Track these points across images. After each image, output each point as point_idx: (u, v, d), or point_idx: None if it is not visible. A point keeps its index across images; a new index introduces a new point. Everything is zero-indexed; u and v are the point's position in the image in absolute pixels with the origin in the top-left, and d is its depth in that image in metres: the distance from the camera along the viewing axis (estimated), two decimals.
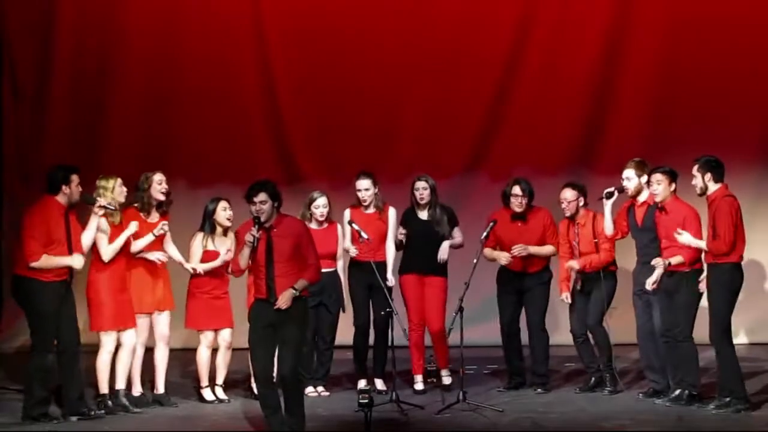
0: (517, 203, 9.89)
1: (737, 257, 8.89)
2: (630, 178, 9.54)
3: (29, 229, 8.66)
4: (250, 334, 8.15)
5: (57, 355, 8.85)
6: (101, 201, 8.86)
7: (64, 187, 8.75)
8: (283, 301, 7.96)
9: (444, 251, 9.85)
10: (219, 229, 9.60)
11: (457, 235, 9.99)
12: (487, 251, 9.88)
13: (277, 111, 12.99)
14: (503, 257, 9.84)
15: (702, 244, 8.87)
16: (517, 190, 9.88)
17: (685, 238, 8.92)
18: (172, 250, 9.56)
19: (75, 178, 8.79)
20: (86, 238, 8.87)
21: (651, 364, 9.52)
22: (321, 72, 12.82)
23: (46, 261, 8.62)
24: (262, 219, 7.98)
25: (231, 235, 9.61)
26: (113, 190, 9.05)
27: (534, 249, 9.84)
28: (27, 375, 8.86)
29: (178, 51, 12.84)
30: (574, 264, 9.71)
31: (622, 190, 9.61)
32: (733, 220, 8.77)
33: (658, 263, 9.05)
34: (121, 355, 9.14)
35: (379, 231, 9.93)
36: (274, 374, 8.26)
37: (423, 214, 10.00)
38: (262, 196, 7.99)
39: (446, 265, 9.99)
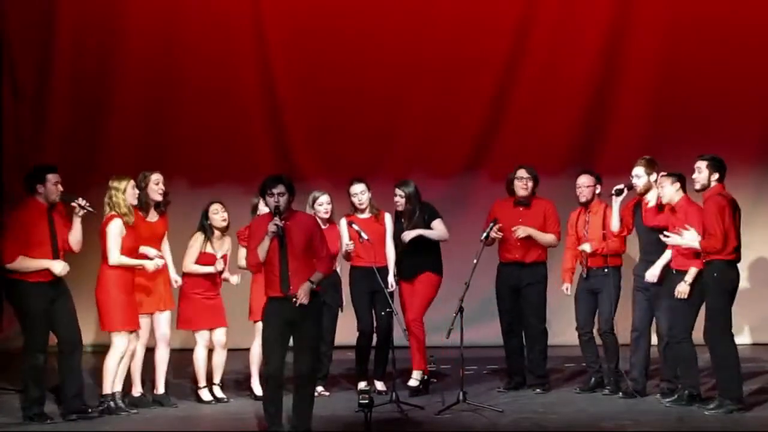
0: (522, 185, 9.93)
1: (730, 255, 8.86)
2: (639, 175, 9.53)
3: (8, 230, 8.72)
4: (265, 332, 8.09)
5: (58, 354, 8.86)
6: (80, 201, 8.83)
7: (39, 186, 8.75)
8: (303, 294, 7.91)
9: (408, 234, 9.79)
10: (217, 232, 9.60)
11: (437, 227, 9.93)
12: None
13: (277, 111, 12.99)
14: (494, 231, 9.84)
15: (695, 245, 8.84)
16: (522, 172, 9.94)
17: (675, 240, 8.92)
18: (168, 259, 9.57)
19: (51, 177, 8.78)
20: (73, 239, 8.86)
21: (642, 363, 9.54)
22: (321, 72, 12.83)
23: (22, 263, 8.63)
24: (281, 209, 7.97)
25: (227, 238, 9.62)
26: (125, 191, 9.04)
27: (534, 231, 9.86)
28: (22, 375, 8.87)
29: (178, 51, 12.84)
30: (587, 247, 9.69)
31: (631, 187, 9.61)
32: (720, 217, 8.76)
33: (683, 292, 9.01)
34: (123, 359, 9.11)
35: (377, 234, 9.91)
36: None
37: (404, 221, 10.03)
38: (280, 188, 7.98)
39: (436, 263, 9.96)
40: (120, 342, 9.01)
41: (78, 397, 8.91)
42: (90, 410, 8.92)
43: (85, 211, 8.84)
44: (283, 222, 7.95)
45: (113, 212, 8.99)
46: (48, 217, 8.76)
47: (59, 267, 8.73)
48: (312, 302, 8.01)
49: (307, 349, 8.06)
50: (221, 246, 9.60)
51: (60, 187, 8.81)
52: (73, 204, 8.82)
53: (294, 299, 7.92)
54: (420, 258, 9.91)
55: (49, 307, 8.73)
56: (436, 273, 9.96)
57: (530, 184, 9.95)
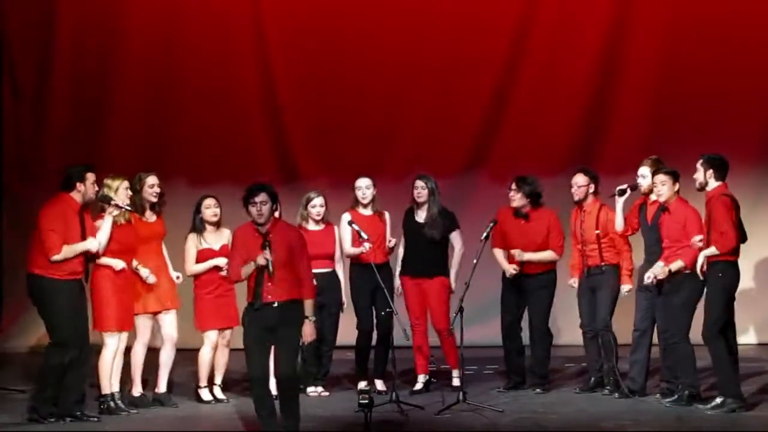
0: (511, 197, 9.87)
1: (732, 255, 8.86)
2: (645, 175, 9.52)
3: (48, 223, 8.61)
4: (245, 337, 8.07)
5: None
6: (117, 200, 8.86)
7: (78, 184, 8.73)
8: (308, 334, 7.94)
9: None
10: (209, 227, 9.57)
11: (456, 243, 9.96)
12: (497, 253, 9.91)
13: (277, 111, 12.99)
14: (509, 270, 9.85)
15: (714, 251, 8.78)
16: (512, 186, 9.89)
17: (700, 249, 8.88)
18: (166, 256, 9.55)
19: (90, 176, 8.78)
20: (101, 238, 8.84)
21: (642, 362, 9.55)
22: (321, 72, 12.83)
23: (67, 251, 8.60)
24: (262, 221, 7.91)
25: (224, 230, 9.57)
26: (117, 191, 9.02)
27: (529, 256, 9.82)
28: (41, 372, 8.79)
29: (178, 51, 12.85)
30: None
31: (635, 187, 9.61)
32: (731, 215, 8.77)
33: (660, 273, 9.02)
34: (115, 358, 9.09)
35: (379, 232, 9.92)
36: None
37: (420, 215, 9.98)
38: (262, 196, 7.91)
39: (443, 264, 9.95)
40: (111, 342, 9.00)
41: (78, 403, 8.85)
42: (86, 418, 8.84)
43: (122, 209, 8.86)
44: (272, 256, 7.85)
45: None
46: (80, 216, 8.76)
47: (94, 244, 8.74)
48: (290, 308, 7.95)
49: (286, 352, 8.01)
50: (218, 239, 9.57)
51: (96, 187, 8.83)
52: (111, 204, 8.82)
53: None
54: (435, 259, 9.90)
55: (76, 306, 8.71)
56: (447, 276, 9.96)
57: (518, 196, 9.82)
